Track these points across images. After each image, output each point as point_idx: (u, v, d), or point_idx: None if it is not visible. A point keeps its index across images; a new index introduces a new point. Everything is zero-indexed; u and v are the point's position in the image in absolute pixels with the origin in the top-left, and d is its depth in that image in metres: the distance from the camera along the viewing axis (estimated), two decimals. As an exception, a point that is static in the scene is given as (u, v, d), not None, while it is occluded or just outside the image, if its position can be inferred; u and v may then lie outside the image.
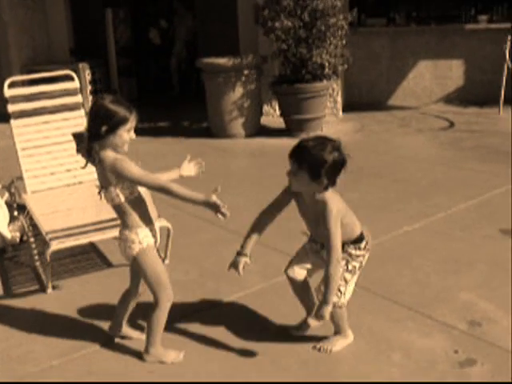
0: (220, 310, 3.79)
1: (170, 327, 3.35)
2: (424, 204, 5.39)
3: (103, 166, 2.98)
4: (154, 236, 3.17)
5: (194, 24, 11.21)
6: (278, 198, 3.23)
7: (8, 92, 4.96)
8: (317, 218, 3.10)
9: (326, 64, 7.86)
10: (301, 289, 3.40)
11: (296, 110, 8.00)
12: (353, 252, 3.17)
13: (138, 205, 3.08)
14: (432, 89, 9.54)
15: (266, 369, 3.18)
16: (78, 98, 5.22)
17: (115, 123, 2.95)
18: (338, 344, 3.32)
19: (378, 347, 3.32)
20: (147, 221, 3.11)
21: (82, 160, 5.07)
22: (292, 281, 3.38)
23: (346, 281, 3.20)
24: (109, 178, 2.99)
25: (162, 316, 3.20)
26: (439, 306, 3.69)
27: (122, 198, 3.03)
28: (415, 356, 3.23)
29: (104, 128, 2.95)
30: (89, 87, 10.23)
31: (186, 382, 3.03)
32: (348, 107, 9.30)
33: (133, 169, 2.96)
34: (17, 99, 5.02)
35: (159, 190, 2.99)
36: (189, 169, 3.39)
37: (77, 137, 5.19)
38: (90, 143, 3.02)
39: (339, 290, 3.17)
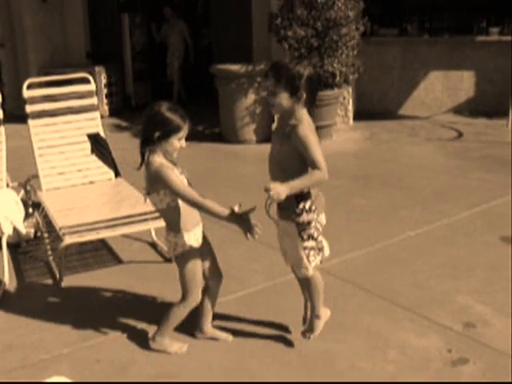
0: (223, 307, 3.93)
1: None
2: (428, 211, 5.53)
3: (149, 170, 3.09)
4: (197, 239, 3.28)
5: (187, 32, 11.27)
6: None
7: (26, 93, 5.15)
8: (284, 160, 3.12)
9: (338, 73, 8.00)
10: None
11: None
12: (300, 220, 3.12)
13: (179, 211, 3.16)
14: (442, 99, 9.66)
15: (267, 363, 3.33)
16: (94, 101, 5.40)
17: (168, 131, 3.04)
18: (317, 328, 3.45)
19: (375, 345, 3.46)
20: (189, 225, 3.20)
21: (95, 160, 5.28)
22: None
23: (311, 248, 3.19)
24: (153, 182, 3.10)
25: (183, 312, 3.37)
26: (436, 308, 3.83)
27: (165, 204, 3.14)
28: (410, 354, 3.37)
29: (157, 134, 3.03)
30: (104, 90, 10.45)
31: (183, 382, 3.17)
32: (359, 116, 9.43)
33: (174, 179, 3.05)
34: (35, 100, 5.21)
35: (194, 205, 3.08)
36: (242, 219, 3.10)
37: (91, 138, 5.42)
38: (142, 147, 3.13)
39: (303, 263, 3.21)
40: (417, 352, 3.38)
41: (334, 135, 8.44)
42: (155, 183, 3.09)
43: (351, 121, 9.25)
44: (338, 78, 8.06)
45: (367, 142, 8.30)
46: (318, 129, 8.38)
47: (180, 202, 3.14)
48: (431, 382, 3.15)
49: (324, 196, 3.26)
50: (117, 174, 5.32)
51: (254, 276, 4.38)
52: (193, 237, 3.24)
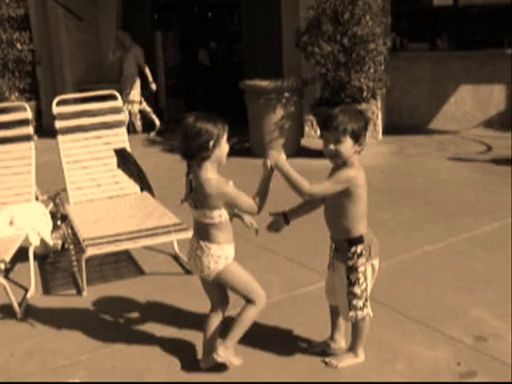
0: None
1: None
2: (450, 225, 5.55)
3: (207, 189, 3.09)
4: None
5: (142, 59, 10.36)
6: None
7: (56, 109, 5.36)
8: (336, 203, 3.23)
9: (365, 87, 8.09)
10: (333, 312, 3.58)
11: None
12: (350, 263, 3.27)
13: (229, 223, 3.25)
14: (473, 113, 9.65)
15: (277, 372, 3.42)
16: (121, 117, 5.59)
17: (218, 136, 3.11)
18: (346, 361, 3.46)
19: (384, 357, 3.51)
20: (232, 238, 3.29)
21: (121, 174, 5.43)
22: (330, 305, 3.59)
23: (355, 295, 3.31)
24: (215, 201, 3.13)
25: (254, 315, 3.33)
26: (449, 321, 3.86)
27: (223, 218, 3.19)
28: (418, 366, 3.41)
29: (211, 143, 3.08)
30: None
31: (174, 383, 3.30)
32: (389, 130, 9.48)
33: (241, 196, 3.14)
34: (64, 116, 5.42)
35: (253, 211, 3.18)
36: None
37: (118, 152, 5.58)
38: (190, 163, 3.17)
39: (353, 305, 3.32)
40: (425, 364, 3.42)
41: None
42: (217, 202, 3.13)
43: (380, 135, 9.30)
44: (365, 92, 8.15)
45: (395, 156, 8.34)
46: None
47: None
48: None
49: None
50: (143, 189, 5.47)
51: (271, 288, 4.47)
52: (233, 249, 3.31)
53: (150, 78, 10.36)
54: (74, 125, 5.41)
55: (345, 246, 3.28)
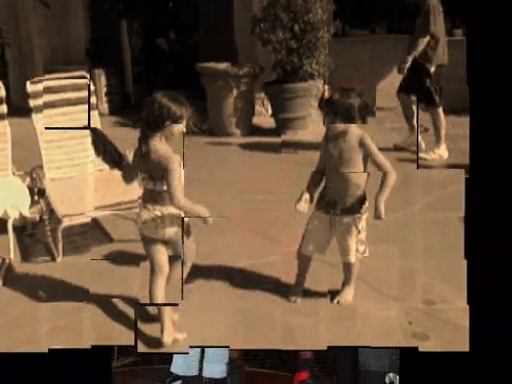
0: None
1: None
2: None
3: (155, 155, 3.09)
4: None
5: None
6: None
7: (30, 87, 5.05)
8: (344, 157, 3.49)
9: (316, 73, 7.99)
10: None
11: (282, 110, 8.10)
12: (362, 217, 3.56)
13: None
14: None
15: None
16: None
17: (176, 117, 3.07)
18: (351, 294, 3.70)
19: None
20: None
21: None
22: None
23: (362, 241, 3.60)
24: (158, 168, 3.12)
25: None
26: (399, 286, 3.84)
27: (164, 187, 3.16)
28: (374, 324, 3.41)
29: (169, 121, 3.10)
30: (104, 89, 10.31)
31: None
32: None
33: (180, 178, 3.10)
34: (38, 94, 5.09)
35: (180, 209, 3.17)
36: None
37: (91, 131, 5.30)
38: (143, 132, 3.17)
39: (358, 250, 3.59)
40: (379, 323, 3.43)
41: (310, 126, 8.34)
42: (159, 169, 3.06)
43: (319, 116, 9.15)
44: (316, 78, 8.05)
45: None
46: (292, 120, 8.25)
47: None
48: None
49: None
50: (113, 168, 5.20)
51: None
52: None
53: None
54: (50, 100, 5.07)
55: (358, 202, 3.60)
